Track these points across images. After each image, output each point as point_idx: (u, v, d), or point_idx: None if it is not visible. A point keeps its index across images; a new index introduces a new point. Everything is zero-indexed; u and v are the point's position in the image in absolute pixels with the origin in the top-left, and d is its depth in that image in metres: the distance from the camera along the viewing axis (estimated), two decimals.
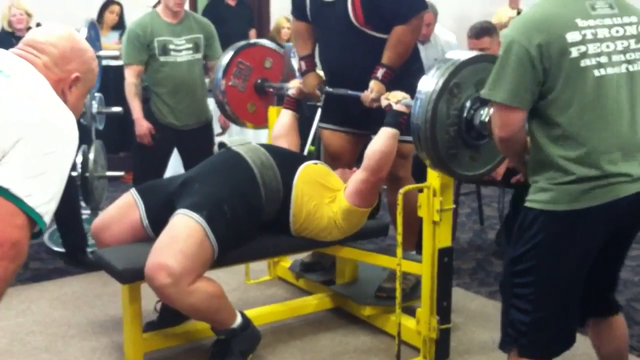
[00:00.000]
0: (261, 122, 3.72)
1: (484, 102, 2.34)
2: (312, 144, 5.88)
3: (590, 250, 2.04)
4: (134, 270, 2.58)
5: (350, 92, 3.04)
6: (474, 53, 2.51)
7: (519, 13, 5.31)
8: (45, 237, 4.25)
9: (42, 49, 1.78)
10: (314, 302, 3.29)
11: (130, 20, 6.21)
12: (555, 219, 1.98)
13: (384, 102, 2.82)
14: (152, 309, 2.95)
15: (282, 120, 3.33)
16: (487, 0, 8.14)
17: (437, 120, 2.36)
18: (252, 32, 7.23)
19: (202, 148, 3.87)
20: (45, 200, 1.59)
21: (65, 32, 1.86)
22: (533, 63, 1.93)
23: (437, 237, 2.72)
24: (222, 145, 3.02)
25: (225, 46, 7.52)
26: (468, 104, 2.40)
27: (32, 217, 1.57)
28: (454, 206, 2.87)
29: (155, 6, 5.82)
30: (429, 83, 2.39)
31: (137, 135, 3.91)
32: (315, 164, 2.99)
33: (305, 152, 5.79)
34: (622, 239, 2.15)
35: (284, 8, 7.44)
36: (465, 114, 2.40)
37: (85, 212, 4.32)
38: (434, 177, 2.69)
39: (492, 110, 2.11)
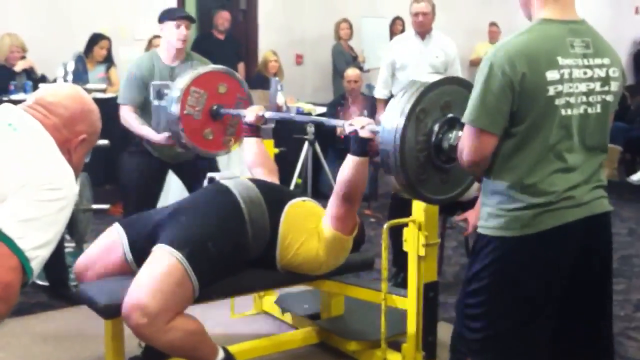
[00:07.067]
0: (218, 148, 3.67)
1: (452, 125, 2.31)
2: (300, 176, 5.87)
3: (544, 275, 2.04)
4: (116, 305, 2.53)
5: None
6: (439, 76, 2.43)
7: None
8: None
9: (52, 109, 1.84)
10: (300, 337, 3.26)
11: (116, 54, 6.26)
12: (507, 244, 2.02)
13: (348, 128, 2.72)
14: (137, 344, 2.91)
15: (251, 149, 3.28)
16: (467, 36, 8.23)
17: (406, 149, 2.28)
18: (241, 66, 7.28)
19: (199, 176, 3.51)
20: (36, 245, 1.61)
21: (74, 93, 1.93)
22: (513, 92, 1.95)
23: (422, 271, 2.72)
24: (211, 180, 3.00)
25: None
26: (436, 128, 2.32)
27: (21, 260, 1.58)
28: (439, 240, 2.87)
29: (148, 47, 5.86)
30: (395, 109, 2.31)
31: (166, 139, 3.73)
32: (304, 200, 2.95)
33: (292, 185, 5.78)
34: (589, 281, 2.12)
35: (271, 42, 7.55)
36: (433, 139, 2.33)
37: (69, 245, 4.28)
38: (419, 211, 2.69)
39: (463, 132, 2.07)
